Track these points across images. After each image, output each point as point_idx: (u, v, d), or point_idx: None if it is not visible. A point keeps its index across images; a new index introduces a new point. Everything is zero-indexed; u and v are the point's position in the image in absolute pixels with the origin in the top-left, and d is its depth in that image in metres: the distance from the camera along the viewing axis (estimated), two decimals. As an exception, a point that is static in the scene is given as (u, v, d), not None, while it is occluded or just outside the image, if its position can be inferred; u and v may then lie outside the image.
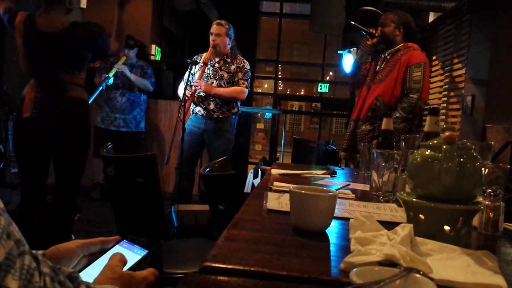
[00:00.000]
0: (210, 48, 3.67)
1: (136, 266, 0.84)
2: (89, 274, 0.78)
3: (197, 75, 3.68)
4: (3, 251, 0.49)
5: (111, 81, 4.41)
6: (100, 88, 4.30)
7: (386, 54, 2.96)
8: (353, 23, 3.19)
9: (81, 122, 2.65)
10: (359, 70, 3.11)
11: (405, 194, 0.97)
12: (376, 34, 2.96)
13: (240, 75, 3.70)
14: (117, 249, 0.87)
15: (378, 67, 2.98)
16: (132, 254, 0.86)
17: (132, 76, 4.58)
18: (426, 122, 1.38)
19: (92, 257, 0.83)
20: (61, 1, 2.53)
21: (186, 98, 3.54)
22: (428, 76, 2.87)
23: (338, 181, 1.86)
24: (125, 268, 0.82)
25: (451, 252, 0.81)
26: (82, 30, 2.58)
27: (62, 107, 2.54)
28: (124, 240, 0.88)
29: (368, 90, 2.99)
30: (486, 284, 0.69)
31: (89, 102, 3.88)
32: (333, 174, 1.99)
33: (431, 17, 6.14)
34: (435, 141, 0.93)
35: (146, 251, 0.87)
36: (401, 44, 2.92)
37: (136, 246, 0.88)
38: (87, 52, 2.61)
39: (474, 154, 0.91)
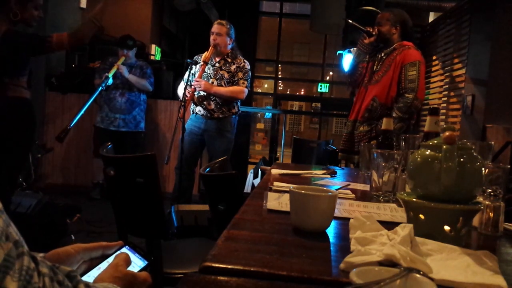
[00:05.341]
0: (210, 47, 3.67)
1: None
2: (90, 279, 0.77)
3: (197, 74, 3.69)
4: (2, 252, 0.49)
5: (110, 81, 4.39)
6: (100, 88, 4.25)
7: (382, 54, 2.97)
8: (350, 21, 3.20)
9: (23, 119, 2.72)
10: (356, 69, 3.12)
11: (405, 194, 0.97)
12: (374, 33, 2.97)
13: (240, 74, 3.70)
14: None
15: (375, 67, 2.99)
16: (132, 263, 0.84)
17: (130, 77, 4.57)
18: (426, 122, 1.38)
19: (93, 262, 0.81)
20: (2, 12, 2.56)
21: (186, 98, 3.54)
22: (423, 75, 2.87)
23: (338, 181, 1.85)
24: None
25: (451, 252, 0.81)
26: (17, 38, 2.61)
27: (4, 106, 2.61)
28: (126, 247, 0.86)
29: (365, 91, 3.00)
30: (486, 284, 0.69)
31: (89, 102, 3.89)
32: (333, 174, 1.99)
33: (431, 17, 6.15)
34: (435, 141, 0.93)
35: (146, 262, 0.85)
36: (397, 43, 2.92)
37: (137, 255, 0.86)
38: (24, 59, 2.65)
39: (474, 154, 0.91)
